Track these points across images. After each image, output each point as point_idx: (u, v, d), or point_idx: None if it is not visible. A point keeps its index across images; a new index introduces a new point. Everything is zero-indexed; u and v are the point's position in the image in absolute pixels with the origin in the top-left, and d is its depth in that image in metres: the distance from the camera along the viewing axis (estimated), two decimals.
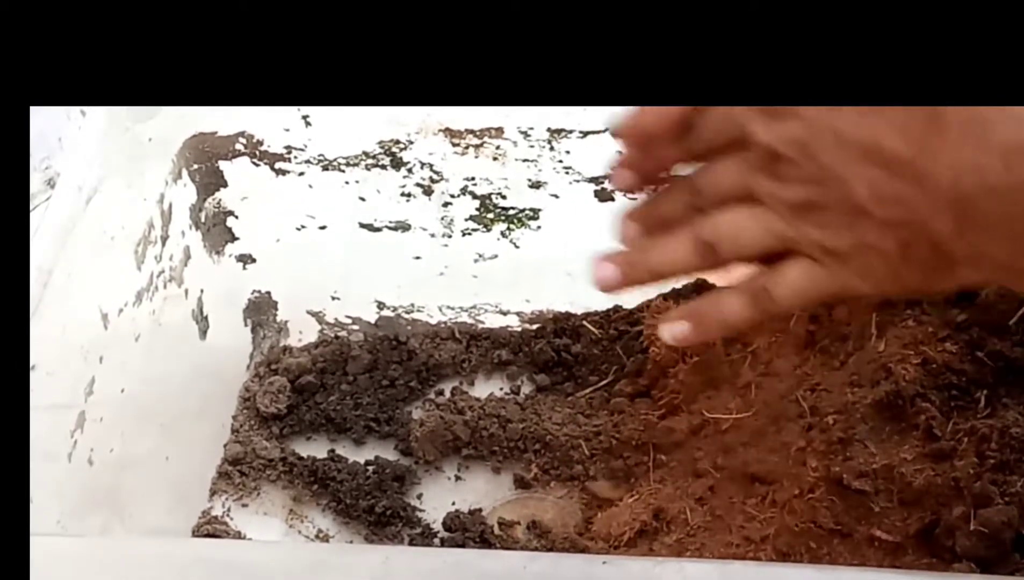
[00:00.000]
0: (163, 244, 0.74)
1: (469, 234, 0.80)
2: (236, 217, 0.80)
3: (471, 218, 0.79)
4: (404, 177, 0.78)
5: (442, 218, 0.79)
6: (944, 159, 0.37)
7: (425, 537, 0.72)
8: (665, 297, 0.79)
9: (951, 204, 0.37)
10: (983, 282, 0.39)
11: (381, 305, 0.83)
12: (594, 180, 0.76)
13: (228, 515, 0.75)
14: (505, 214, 0.79)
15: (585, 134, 0.74)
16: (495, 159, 0.76)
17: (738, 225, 0.43)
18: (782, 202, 0.41)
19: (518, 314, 0.82)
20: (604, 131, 0.74)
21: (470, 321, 0.82)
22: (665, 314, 0.46)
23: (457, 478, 0.76)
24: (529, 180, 0.77)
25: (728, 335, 0.74)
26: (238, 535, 0.73)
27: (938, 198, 0.37)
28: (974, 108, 0.36)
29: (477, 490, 0.75)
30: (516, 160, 0.76)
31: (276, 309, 0.84)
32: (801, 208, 0.41)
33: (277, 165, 0.78)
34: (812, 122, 0.39)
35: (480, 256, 0.80)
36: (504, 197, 0.78)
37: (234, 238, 0.81)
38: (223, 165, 0.78)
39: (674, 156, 0.45)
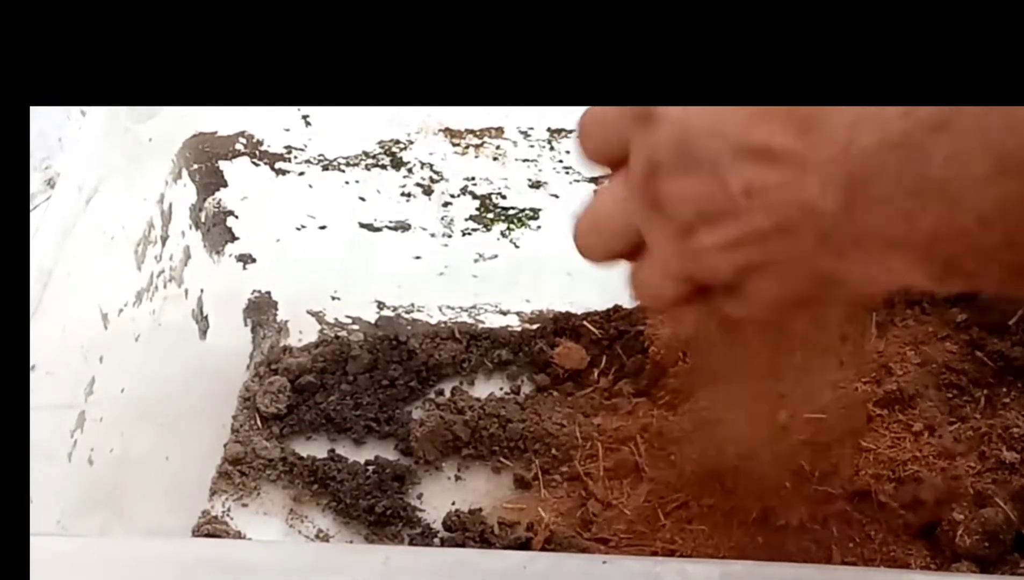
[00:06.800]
0: (163, 244, 0.74)
1: (469, 234, 0.79)
2: (236, 217, 0.80)
3: (471, 218, 0.79)
4: (404, 177, 0.77)
5: (442, 218, 0.79)
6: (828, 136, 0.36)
7: (425, 537, 0.72)
8: None
9: (837, 180, 0.36)
10: (881, 273, 0.38)
11: (381, 305, 0.83)
12: (594, 180, 0.76)
13: (228, 515, 0.75)
14: (505, 214, 0.79)
15: None
16: (495, 159, 0.76)
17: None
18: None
19: (518, 314, 0.82)
20: None
21: (470, 321, 0.82)
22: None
23: (457, 478, 0.76)
24: (529, 180, 0.77)
25: None
26: (238, 535, 0.73)
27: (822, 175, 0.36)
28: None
29: (477, 490, 0.75)
30: (516, 160, 0.76)
31: (276, 309, 0.84)
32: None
33: (277, 165, 0.78)
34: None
35: (480, 256, 0.80)
36: (504, 197, 0.78)
37: (234, 238, 0.81)
38: (223, 165, 0.78)
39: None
